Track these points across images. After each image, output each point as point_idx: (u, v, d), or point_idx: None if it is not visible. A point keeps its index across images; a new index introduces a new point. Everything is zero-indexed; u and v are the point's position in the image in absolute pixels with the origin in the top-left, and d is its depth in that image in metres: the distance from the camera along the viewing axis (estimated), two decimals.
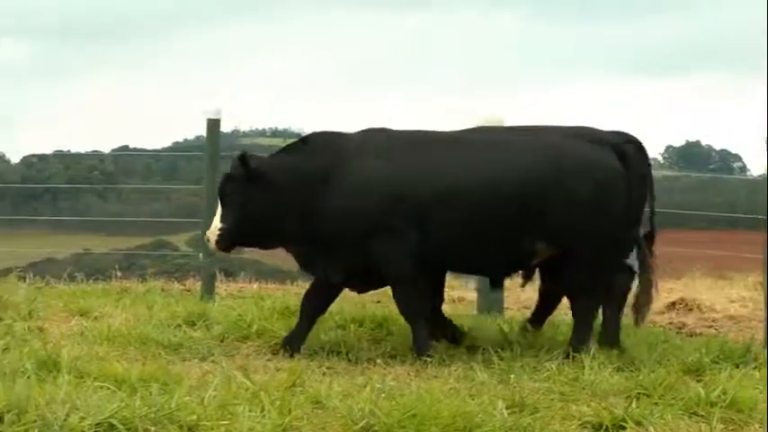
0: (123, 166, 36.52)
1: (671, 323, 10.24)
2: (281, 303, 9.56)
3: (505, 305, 10.44)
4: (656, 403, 6.54)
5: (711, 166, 42.67)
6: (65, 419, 5.47)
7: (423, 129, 8.38)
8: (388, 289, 8.35)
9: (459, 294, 11.22)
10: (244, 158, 8.08)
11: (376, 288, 8.54)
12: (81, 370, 6.82)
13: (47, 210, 29.53)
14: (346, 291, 8.48)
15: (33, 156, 34.85)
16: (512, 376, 7.10)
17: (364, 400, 6.09)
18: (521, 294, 11.19)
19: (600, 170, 7.96)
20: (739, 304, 11.21)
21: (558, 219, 7.88)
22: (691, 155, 44.40)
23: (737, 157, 42.35)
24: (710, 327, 10.16)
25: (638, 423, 6.13)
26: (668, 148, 43.98)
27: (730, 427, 6.26)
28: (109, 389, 6.21)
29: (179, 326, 8.93)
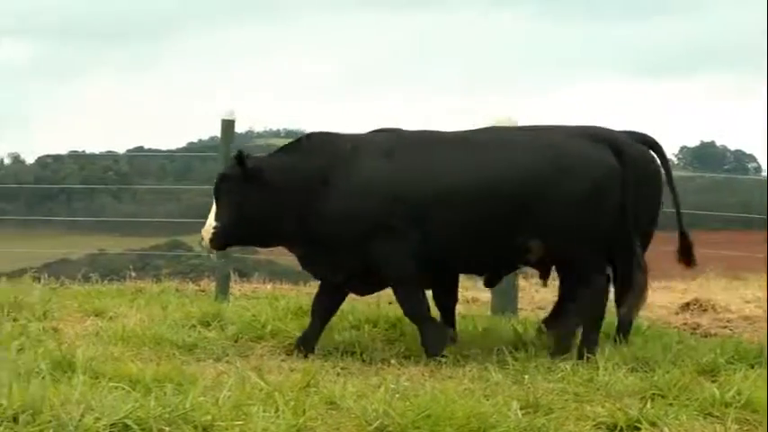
0: (138, 167, 36.63)
1: (685, 324, 10.20)
2: (295, 304, 9.55)
3: (519, 306, 10.42)
4: (670, 404, 6.51)
5: (726, 167, 42.59)
6: (79, 420, 5.47)
7: (430, 129, 8.37)
8: None
9: (473, 295, 11.19)
10: (240, 158, 8.07)
11: (377, 290, 8.49)
12: (96, 370, 6.82)
13: (62, 210, 29.62)
14: None
15: (48, 156, 35.03)
16: (526, 377, 7.08)
17: (378, 401, 6.08)
18: (534, 295, 11.20)
19: (595, 168, 7.88)
20: (754, 305, 11.18)
21: (552, 217, 7.82)
22: (705, 155, 44.33)
23: (752, 158, 42.31)
24: (725, 327, 10.13)
25: (653, 424, 6.11)
26: (683, 148, 43.97)
27: (745, 428, 6.24)
28: (123, 389, 6.20)
29: (193, 326, 8.93)
